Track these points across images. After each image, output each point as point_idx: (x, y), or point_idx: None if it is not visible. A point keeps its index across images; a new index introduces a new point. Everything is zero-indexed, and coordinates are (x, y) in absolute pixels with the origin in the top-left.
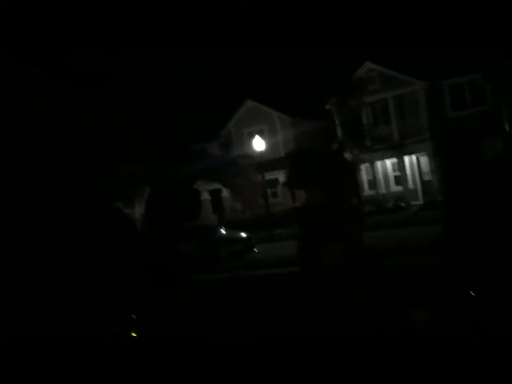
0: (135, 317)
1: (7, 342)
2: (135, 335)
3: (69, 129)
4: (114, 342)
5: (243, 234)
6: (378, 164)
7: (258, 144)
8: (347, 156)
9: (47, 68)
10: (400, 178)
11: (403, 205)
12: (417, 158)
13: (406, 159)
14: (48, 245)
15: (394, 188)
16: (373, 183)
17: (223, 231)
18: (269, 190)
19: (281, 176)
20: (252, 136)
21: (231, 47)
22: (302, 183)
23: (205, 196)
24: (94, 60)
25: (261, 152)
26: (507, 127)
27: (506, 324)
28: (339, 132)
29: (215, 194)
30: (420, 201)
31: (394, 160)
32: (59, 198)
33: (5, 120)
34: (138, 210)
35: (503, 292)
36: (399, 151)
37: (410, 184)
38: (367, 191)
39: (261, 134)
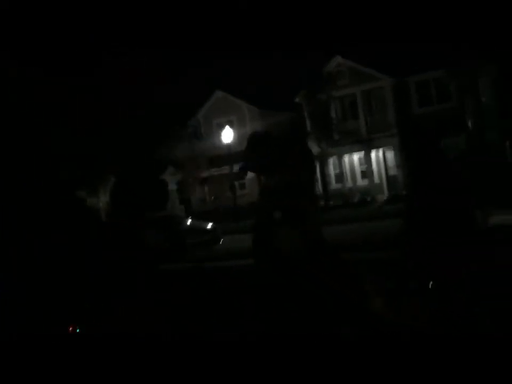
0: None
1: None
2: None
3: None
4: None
5: (209, 225)
6: (346, 157)
7: (228, 135)
8: (313, 147)
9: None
10: (366, 173)
11: (369, 199)
12: (383, 153)
13: (373, 153)
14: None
15: (361, 182)
16: (340, 176)
17: (189, 222)
18: (236, 182)
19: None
20: (221, 126)
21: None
22: (261, 166)
23: (172, 187)
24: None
25: (230, 143)
26: (469, 124)
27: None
28: (308, 125)
29: (182, 185)
30: (385, 195)
31: (361, 154)
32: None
33: None
34: (103, 199)
35: (459, 280)
36: (366, 145)
37: (376, 179)
38: (334, 184)
39: (230, 125)
